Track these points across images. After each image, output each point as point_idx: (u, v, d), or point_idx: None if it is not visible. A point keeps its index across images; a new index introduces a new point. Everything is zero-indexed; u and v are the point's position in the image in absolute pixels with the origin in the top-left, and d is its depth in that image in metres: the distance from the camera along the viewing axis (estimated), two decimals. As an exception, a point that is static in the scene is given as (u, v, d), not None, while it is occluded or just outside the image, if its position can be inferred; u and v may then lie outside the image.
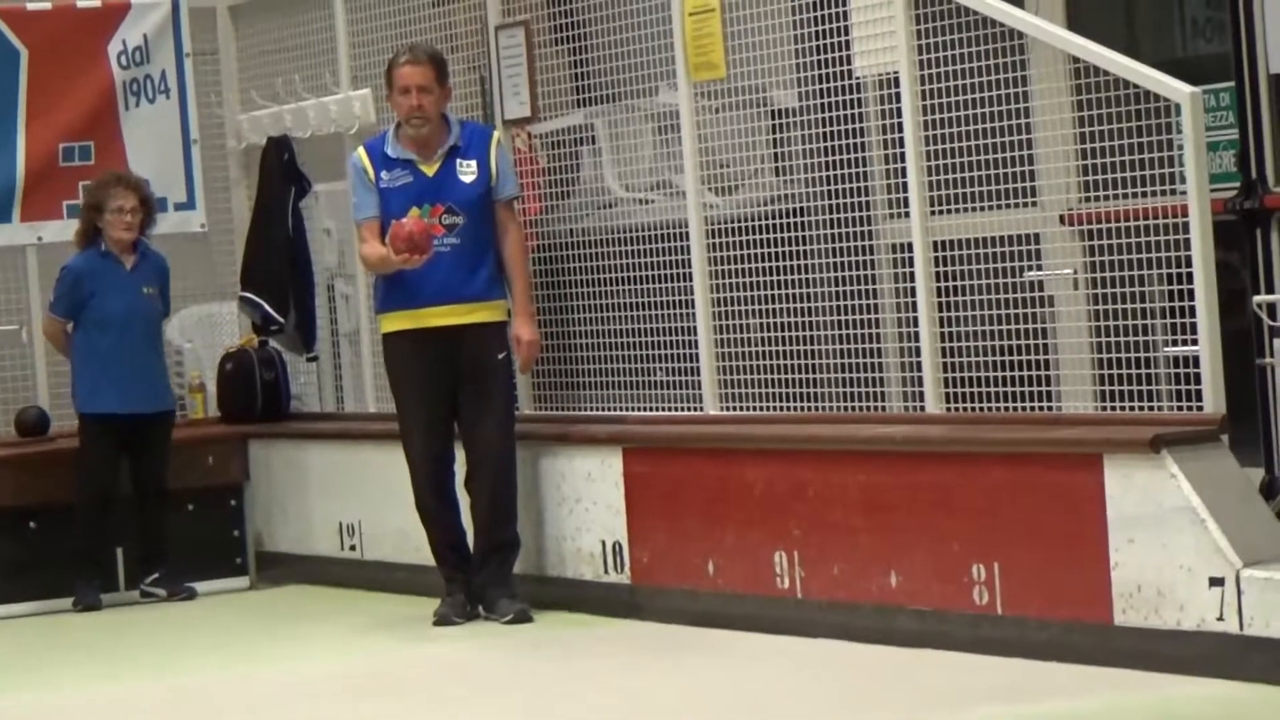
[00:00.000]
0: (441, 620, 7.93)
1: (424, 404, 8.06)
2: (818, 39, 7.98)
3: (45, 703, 7.31)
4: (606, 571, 8.26)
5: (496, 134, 8.61)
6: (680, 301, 8.09)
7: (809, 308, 7.88)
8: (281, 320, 10.08)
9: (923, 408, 7.23)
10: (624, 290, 8.55)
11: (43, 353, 10.23)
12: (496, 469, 8.12)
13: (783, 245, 7.96)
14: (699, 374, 8.21)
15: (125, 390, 9.40)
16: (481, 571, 8.03)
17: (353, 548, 9.90)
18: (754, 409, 8.07)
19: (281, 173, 10.31)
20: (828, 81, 7.79)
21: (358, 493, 9.57)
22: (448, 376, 7.96)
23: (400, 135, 8.05)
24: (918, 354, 7.28)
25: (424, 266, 7.86)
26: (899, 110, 7.31)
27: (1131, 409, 6.47)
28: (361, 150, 8.37)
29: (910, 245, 7.24)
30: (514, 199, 8.36)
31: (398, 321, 8.05)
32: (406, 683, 7.26)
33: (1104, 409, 6.75)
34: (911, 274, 7.27)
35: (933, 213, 7.19)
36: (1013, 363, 6.88)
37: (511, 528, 8.12)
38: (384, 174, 8.01)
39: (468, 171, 8.06)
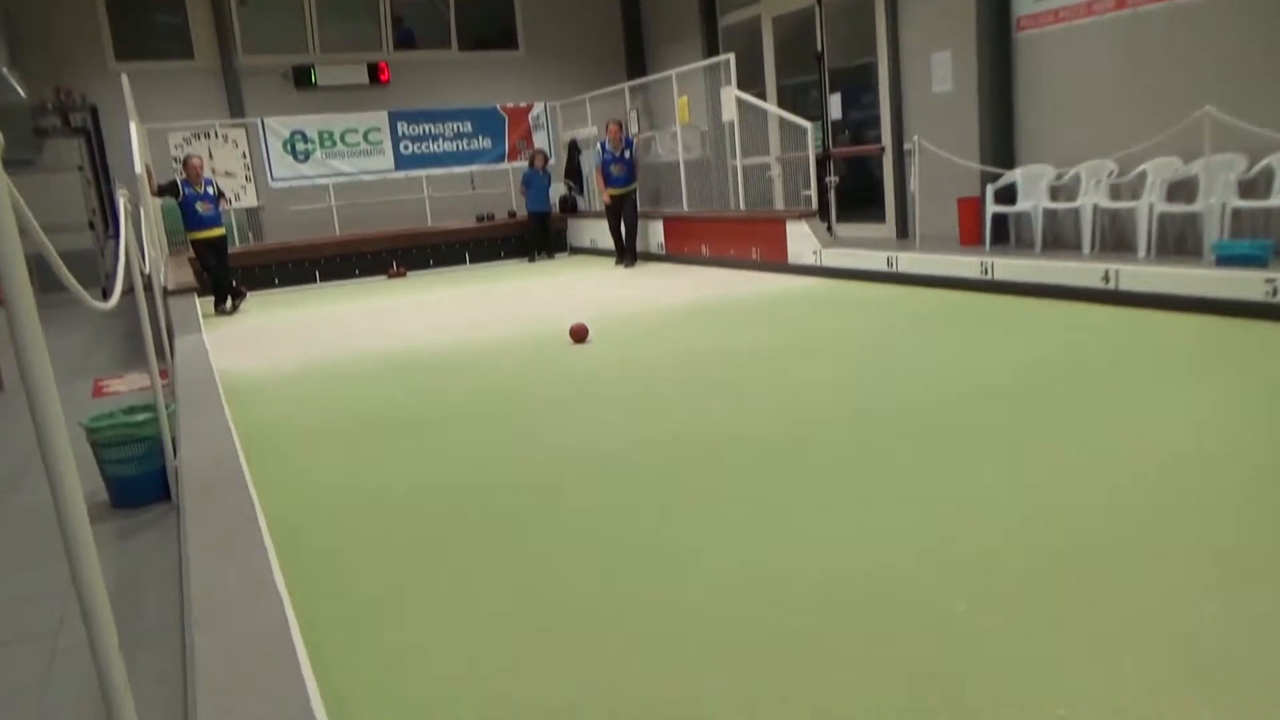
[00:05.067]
0: (616, 264, 11.06)
1: (611, 210, 10.90)
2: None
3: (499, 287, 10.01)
4: (662, 250, 11.31)
5: (633, 138, 11.04)
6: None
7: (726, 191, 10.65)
8: (574, 184, 13.42)
9: (746, 206, 10.09)
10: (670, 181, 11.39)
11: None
12: (633, 230, 11.03)
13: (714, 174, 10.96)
14: (683, 202, 11.08)
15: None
16: (626, 253, 10.99)
17: (593, 242, 12.67)
18: (699, 209, 10.87)
19: (574, 150, 13.40)
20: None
21: (602, 230, 12.04)
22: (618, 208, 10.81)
23: (610, 141, 10.47)
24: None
25: (617, 174, 10.57)
26: (734, 131, 9.88)
27: (795, 210, 9.47)
28: (597, 146, 10.91)
29: (753, 166, 10.12)
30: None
31: (607, 195, 10.80)
32: (597, 277, 10.08)
33: (788, 209, 9.74)
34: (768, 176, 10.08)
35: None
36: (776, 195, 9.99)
37: (634, 244, 10.99)
38: (607, 154, 10.50)
39: (628, 152, 10.57)
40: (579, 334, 6.15)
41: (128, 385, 6.82)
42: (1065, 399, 3.99)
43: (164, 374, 5.80)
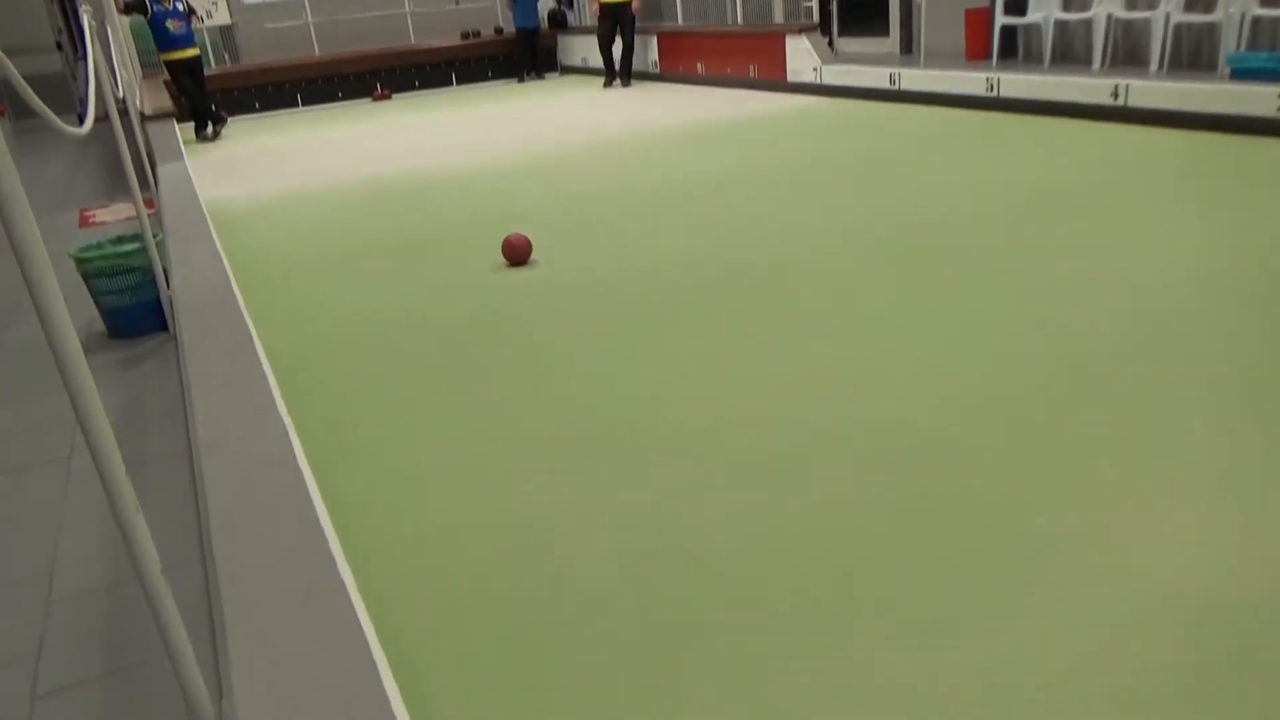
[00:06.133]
0: (606, 86, 10.68)
1: (604, 23, 10.26)
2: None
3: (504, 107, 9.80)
4: (656, 69, 11.02)
5: None
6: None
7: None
8: (563, -1, 12.63)
9: (744, 20, 10.51)
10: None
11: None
12: (630, 47, 10.46)
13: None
14: (678, 15, 11.12)
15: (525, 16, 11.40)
16: (620, 72, 10.61)
17: (585, 61, 12.00)
18: (695, 23, 10.60)
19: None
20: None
21: (591, 49, 11.56)
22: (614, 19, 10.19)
23: None
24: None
25: None
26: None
27: (795, 24, 9.23)
28: None
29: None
30: None
31: (596, 3, 10.03)
32: (589, 98, 9.89)
33: (788, 23, 9.49)
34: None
35: None
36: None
37: (629, 63, 10.52)
38: None
39: None
40: (517, 250, 4.00)
41: (114, 215, 6.83)
42: (1065, 221, 3.95)
43: (149, 203, 5.81)
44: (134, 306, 3.90)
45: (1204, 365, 2.51)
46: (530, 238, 4.08)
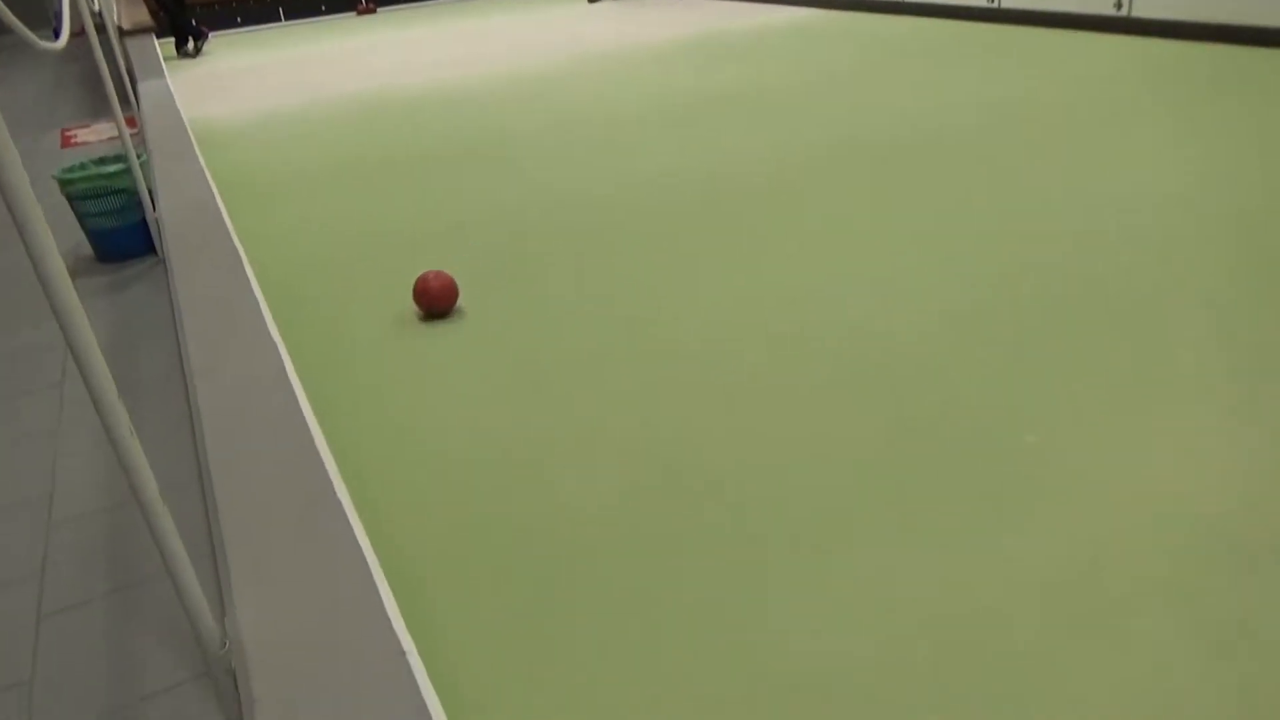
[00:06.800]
0: (591, 1, 10.33)
1: None
2: None
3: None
4: None
5: None
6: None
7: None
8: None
9: None
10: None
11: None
12: None
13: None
14: None
15: None
16: None
17: None
18: None
19: None
20: None
21: None
22: None
23: None
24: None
25: None
26: None
27: None
28: None
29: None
30: None
31: None
32: (580, 12, 9.75)
33: None
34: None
35: None
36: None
37: None
38: None
39: None
40: (437, 296, 2.75)
41: (96, 135, 6.71)
42: (1065, 137, 3.90)
43: (131, 122, 5.72)
44: (121, 229, 3.86)
45: (1204, 285, 2.49)
46: (450, 287, 2.75)
